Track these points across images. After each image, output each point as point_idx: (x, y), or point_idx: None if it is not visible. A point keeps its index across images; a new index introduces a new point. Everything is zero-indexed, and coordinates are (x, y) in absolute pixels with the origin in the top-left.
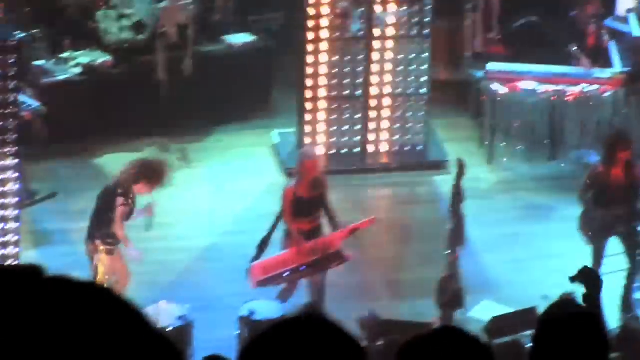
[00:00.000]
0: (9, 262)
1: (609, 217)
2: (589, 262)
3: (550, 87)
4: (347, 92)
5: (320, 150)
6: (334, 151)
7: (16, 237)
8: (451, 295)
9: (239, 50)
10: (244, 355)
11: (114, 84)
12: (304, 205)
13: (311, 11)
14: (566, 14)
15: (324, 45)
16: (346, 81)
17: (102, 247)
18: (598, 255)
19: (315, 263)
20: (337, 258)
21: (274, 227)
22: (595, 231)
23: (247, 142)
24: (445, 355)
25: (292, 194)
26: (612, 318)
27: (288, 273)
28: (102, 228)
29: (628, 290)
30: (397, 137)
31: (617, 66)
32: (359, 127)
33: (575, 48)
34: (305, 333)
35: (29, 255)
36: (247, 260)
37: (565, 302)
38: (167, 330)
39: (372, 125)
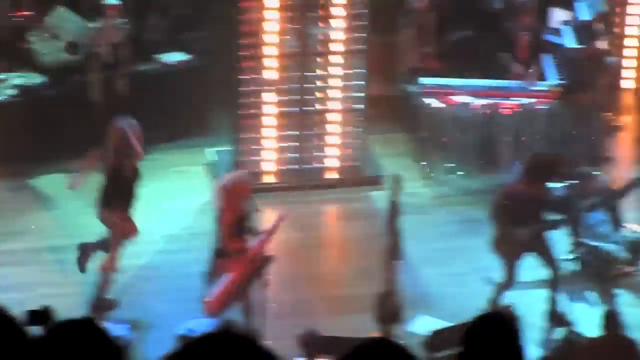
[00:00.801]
0: None
1: (526, 235)
2: (524, 275)
3: (485, 101)
4: (284, 109)
5: (253, 169)
6: (271, 168)
7: None
8: (389, 310)
9: (173, 69)
10: None
11: (48, 105)
12: (241, 226)
13: (246, 28)
14: (501, 28)
15: (259, 62)
16: (282, 98)
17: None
18: (512, 273)
19: (252, 274)
20: (267, 261)
21: (216, 253)
22: (514, 250)
23: (183, 160)
24: None
25: (231, 218)
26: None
27: (237, 294)
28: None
29: (553, 303)
30: (334, 153)
31: (552, 79)
32: (296, 144)
33: (505, 55)
34: (219, 349)
35: None
36: (185, 280)
37: (488, 317)
38: None
39: (308, 142)
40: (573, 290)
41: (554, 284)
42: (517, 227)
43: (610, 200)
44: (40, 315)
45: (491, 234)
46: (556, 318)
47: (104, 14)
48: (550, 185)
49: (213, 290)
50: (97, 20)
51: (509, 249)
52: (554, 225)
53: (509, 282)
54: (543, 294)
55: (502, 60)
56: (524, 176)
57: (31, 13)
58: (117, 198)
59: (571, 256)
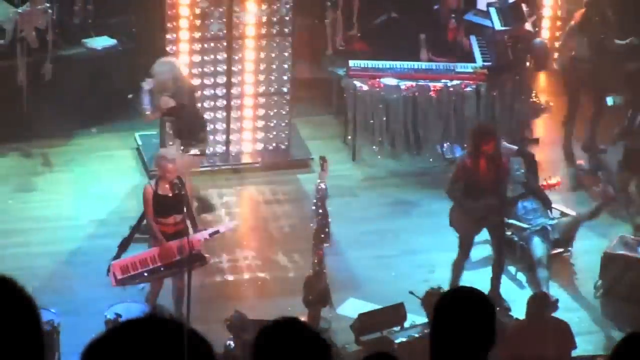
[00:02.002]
0: None
1: (480, 210)
2: (454, 255)
3: (412, 83)
4: (209, 92)
5: (178, 151)
6: (197, 151)
7: None
8: (318, 293)
9: (99, 53)
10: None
11: None
12: (166, 206)
13: (170, 12)
14: (427, 10)
15: (184, 46)
16: (208, 81)
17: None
18: (467, 249)
19: (176, 264)
20: (197, 259)
21: (136, 226)
22: (467, 224)
23: (110, 145)
24: (289, 345)
25: (151, 192)
26: None
27: (147, 273)
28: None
29: (496, 282)
30: (260, 136)
31: (479, 60)
32: (222, 126)
33: (423, 36)
34: (144, 333)
35: None
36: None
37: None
38: None
39: (235, 125)
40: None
41: (499, 262)
42: (473, 201)
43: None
44: None
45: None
46: (496, 300)
47: None
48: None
49: (121, 260)
50: (23, 5)
51: (464, 223)
52: (511, 201)
53: (463, 257)
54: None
55: (420, 43)
56: (470, 150)
57: None
58: None
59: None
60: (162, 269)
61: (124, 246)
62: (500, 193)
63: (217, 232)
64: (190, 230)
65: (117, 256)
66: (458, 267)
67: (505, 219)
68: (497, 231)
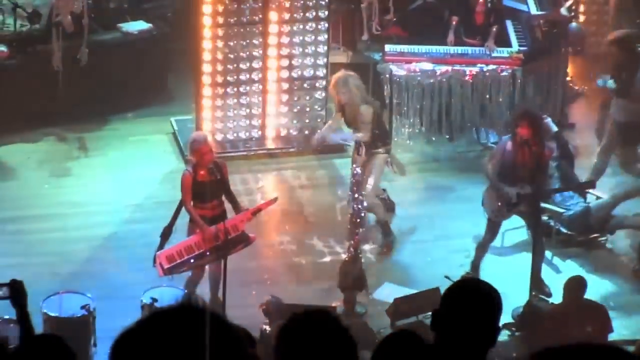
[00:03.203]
0: None
1: (512, 196)
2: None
3: (448, 68)
4: (245, 77)
5: (215, 137)
6: (233, 136)
7: None
8: (353, 278)
9: (134, 38)
10: (116, 346)
11: (10, 75)
12: (204, 191)
13: None
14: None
15: (220, 31)
16: (243, 66)
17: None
18: (494, 232)
19: (220, 247)
20: (242, 240)
21: (175, 215)
22: (497, 207)
23: (145, 130)
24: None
25: (190, 179)
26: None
27: (193, 259)
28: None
29: (536, 266)
30: (296, 121)
31: (515, 45)
32: (258, 111)
33: (455, 19)
34: (178, 322)
35: None
36: (150, 248)
37: (467, 281)
38: (69, 319)
39: (271, 110)
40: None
41: (537, 249)
42: (506, 185)
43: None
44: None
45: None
46: (538, 286)
47: None
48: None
49: (166, 250)
50: None
51: (496, 206)
52: (547, 192)
53: (489, 238)
54: (513, 260)
55: (449, 26)
56: (511, 133)
57: None
58: None
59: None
60: (207, 253)
61: (166, 235)
62: (537, 184)
63: (259, 210)
64: (233, 212)
65: (161, 246)
66: (482, 249)
67: (539, 208)
68: (531, 219)
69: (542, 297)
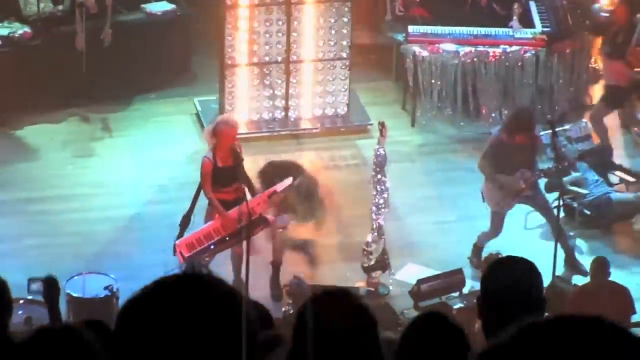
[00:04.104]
0: None
1: (514, 185)
2: (512, 224)
3: (471, 49)
4: (268, 57)
5: (238, 118)
6: (256, 117)
7: None
8: (376, 258)
9: (158, 19)
10: (121, 316)
11: (33, 56)
12: (225, 175)
13: None
14: None
15: (243, 11)
16: (267, 47)
17: None
18: (499, 225)
19: (240, 231)
20: (261, 222)
21: (194, 203)
22: (500, 199)
23: (169, 110)
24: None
25: (210, 166)
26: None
27: (213, 246)
28: None
29: (565, 247)
30: (319, 101)
31: (538, 26)
32: (281, 92)
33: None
34: (181, 290)
35: None
36: (172, 230)
37: (508, 259)
38: (92, 300)
39: (294, 91)
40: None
41: (558, 232)
42: (505, 176)
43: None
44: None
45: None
46: (572, 266)
47: None
48: (540, 133)
49: (186, 237)
50: None
51: (497, 198)
52: (544, 173)
53: (494, 231)
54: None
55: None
56: (506, 127)
57: None
58: None
59: (559, 204)
60: (227, 238)
61: (185, 224)
62: (532, 166)
63: (274, 192)
64: (248, 195)
65: (180, 234)
66: (486, 239)
67: (540, 190)
68: (538, 203)
69: (565, 278)
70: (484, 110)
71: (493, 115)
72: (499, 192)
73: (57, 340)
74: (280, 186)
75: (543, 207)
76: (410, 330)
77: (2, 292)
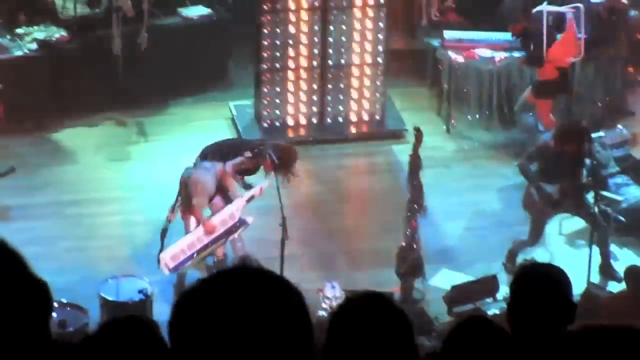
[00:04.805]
0: None
1: (555, 193)
2: (547, 230)
3: (507, 54)
4: (304, 62)
5: (272, 121)
6: (292, 122)
7: None
8: (410, 264)
9: (194, 23)
10: (177, 308)
11: (70, 59)
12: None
13: None
14: None
15: (279, 16)
16: (303, 52)
17: None
18: (538, 234)
19: (221, 236)
20: (241, 224)
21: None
22: (541, 208)
23: (205, 115)
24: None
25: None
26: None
27: (196, 254)
28: None
29: (603, 254)
30: (354, 107)
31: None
32: (316, 97)
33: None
34: (239, 282)
35: None
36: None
37: (538, 266)
38: (126, 304)
39: (329, 96)
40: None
41: (601, 239)
42: (549, 184)
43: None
44: None
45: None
46: (607, 273)
47: None
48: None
49: (169, 251)
50: None
51: (538, 206)
52: (588, 184)
53: (533, 240)
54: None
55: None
56: (555, 135)
57: None
58: None
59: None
60: (209, 245)
61: (164, 236)
62: (577, 176)
63: (252, 197)
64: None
65: (162, 247)
66: (522, 246)
67: (584, 199)
68: (582, 211)
69: (600, 285)
70: (518, 117)
71: (527, 121)
72: (540, 200)
73: (127, 331)
74: (257, 190)
75: (587, 214)
76: (454, 334)
77: (45, 293)
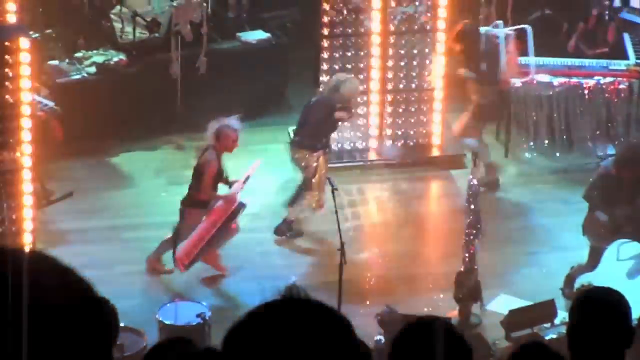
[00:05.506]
0: None
1: (614, 219)
2: (605, 255)
3: (565, 80)
4: (363, 87)
5: (332, 147)
6: (349, 147)
7: (31, 238)
8: (468, 289)
9: (253, 47)
10: (229, 339)
11: (128, 83)
12: (222, 176)
13: (326, 6)
14: (580, 7)
15: (338, 41)
16: (362, 76)
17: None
18: (596, 259)
19: (225, 222)
20: (241, 209)
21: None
22: (600, 233)
23: (263, 138)
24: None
25: (216, 167)
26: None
27: (206, 245)
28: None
29: None
30: (413, 131)
31: (632, 57)
32: (375, 122)
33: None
34: (289, 313)
35: None
36: (266, 257)
37: (597, 290)
38: (184, 328)
39: (388, 120)
40: None
41: None
42: (609, 211)
43: None
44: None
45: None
46: None
47: None
48: None
49: (182, 248)
50: None
51: (599, 232)
52: None
53: (591, 265)
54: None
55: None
56: (616, 161)
57: None
58: None
59: None
60: (215, 234)
61: (176, 238)
62: (637, 201)
63: (248, 177)
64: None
65: (175, 248)
66: (579, 272)
67: None
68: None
69: None
70: (577, 142)
71: (586, 146)
72: (601, 226)
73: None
74: (251, 170)
75: None
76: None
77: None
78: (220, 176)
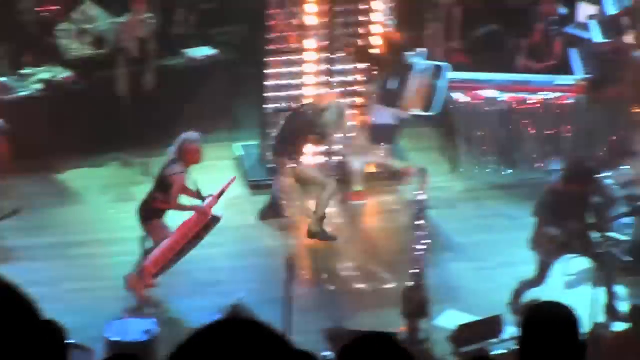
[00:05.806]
0: None
1: (562, 235)
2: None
3: (512, 95)
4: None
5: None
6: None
7: None
8: (416, 304)
9: (200, 64)
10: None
11: (75, 100)
12: (186, 189)
13: (271, 23)
14: (528, 23)
15: (284, 57)
16: (307, 93)
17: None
18: (544, 274)
19: (197, 234)
20: (214, 222)
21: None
22: (548, 248)
23: (210, 155)
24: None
25: (183, 180)
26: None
27: (176, 255)
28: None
29: (609, 293)
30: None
31: (579, 73)
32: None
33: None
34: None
35: None
36: (214, 273)
37: (547, 304)
38: (132, 344)
39: (337, 136)
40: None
41: (607, 279)
42: (557, 225)
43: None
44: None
45: (531, 231)
46: (612, 312)
47: (130, 8)
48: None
49: (150, 258)
50: (124, 14)
51: (548, 247)
52: (594, 225)
53: (539, 280)
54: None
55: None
56: (563, 176)
57: (57, 7)
58: None
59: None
60: (185, 246)
61: (147, 252)
62: (583, 216)
63: (222, 192)
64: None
65: (142, 261)
66: (526, 287)
67: (591, 239)
68: (588, 251)
69: (605, 324)
70: (524, 157)
71: (533, 162)
72: (550, 241)
73: None
74: (226, 185)
75: (593, 254)
76: None
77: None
78: (186, 189)
